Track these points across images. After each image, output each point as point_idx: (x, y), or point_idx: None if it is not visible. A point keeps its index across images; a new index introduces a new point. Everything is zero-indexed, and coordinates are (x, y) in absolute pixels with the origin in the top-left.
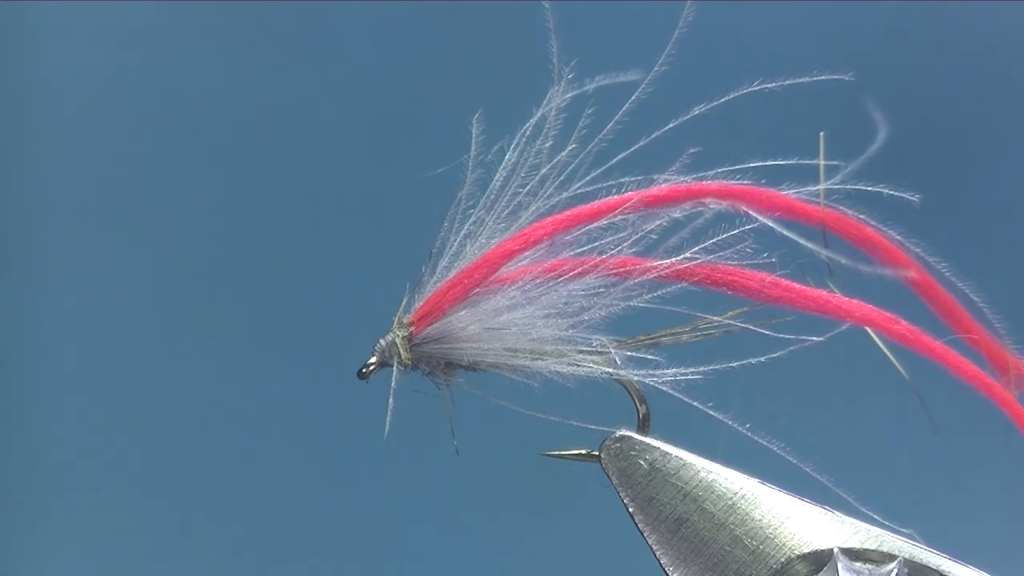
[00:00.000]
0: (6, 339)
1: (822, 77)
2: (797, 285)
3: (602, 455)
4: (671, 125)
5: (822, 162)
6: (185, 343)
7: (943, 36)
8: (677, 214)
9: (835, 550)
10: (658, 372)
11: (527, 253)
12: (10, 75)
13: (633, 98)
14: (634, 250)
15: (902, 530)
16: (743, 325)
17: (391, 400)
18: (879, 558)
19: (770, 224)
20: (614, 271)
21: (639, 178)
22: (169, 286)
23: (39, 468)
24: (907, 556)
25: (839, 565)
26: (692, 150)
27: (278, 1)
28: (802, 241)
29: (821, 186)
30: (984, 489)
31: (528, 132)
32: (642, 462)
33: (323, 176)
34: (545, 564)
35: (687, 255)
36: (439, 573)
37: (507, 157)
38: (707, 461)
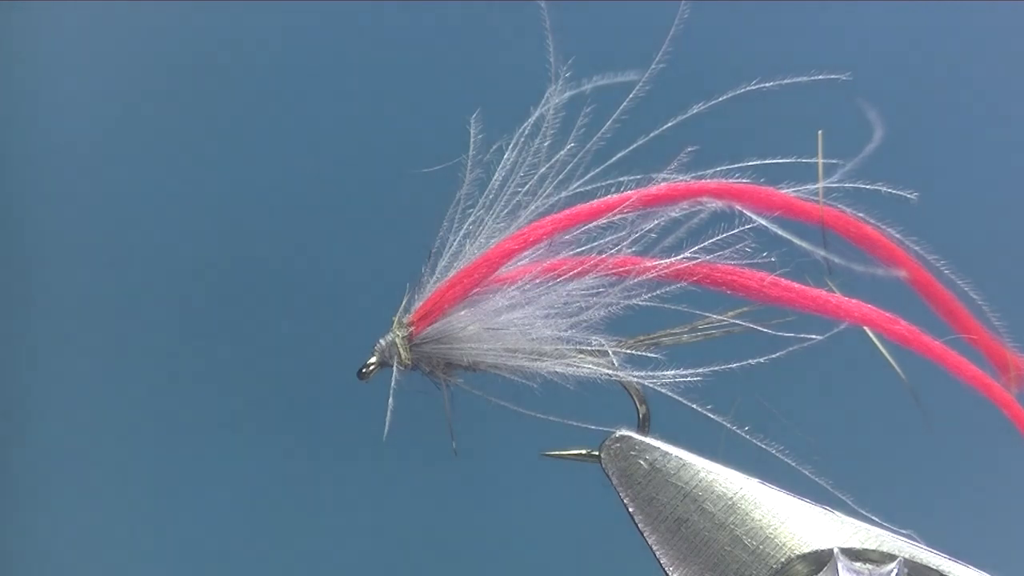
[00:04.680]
0: (6, 339)
1: (819, 77)
2: (796, 285)
3: (602, 455)
4: (669, 124)
5: (820, 160)
6: (185, 343)
7: (943, 35)
8: (676, 213)
9: (835, 550)
10: (657, 373)
11: (526, 253)
12: (10, 75)
13: (631, 97)
14: (633, 249)
15: (902, 530)
16: (744, 324)
17: (391, 400)
18: (879, 558)
19: (766, 224)
20: (613, 271)
21: (638, 177)
22: (169, 285)
23: (38, 468)
24: (907, 556)
25: (839, 565)
26: (690, 149)
27: (279, 1)
28: (797, 241)
29: (820, 184)
30: (984, 489)
31: (526, 131)
32: (642, 462)
33: (322, 176)
34: (545, 564)
35: (686, 255)
36: (437, 572)
37: (506, 156)
38: (707, 461)
